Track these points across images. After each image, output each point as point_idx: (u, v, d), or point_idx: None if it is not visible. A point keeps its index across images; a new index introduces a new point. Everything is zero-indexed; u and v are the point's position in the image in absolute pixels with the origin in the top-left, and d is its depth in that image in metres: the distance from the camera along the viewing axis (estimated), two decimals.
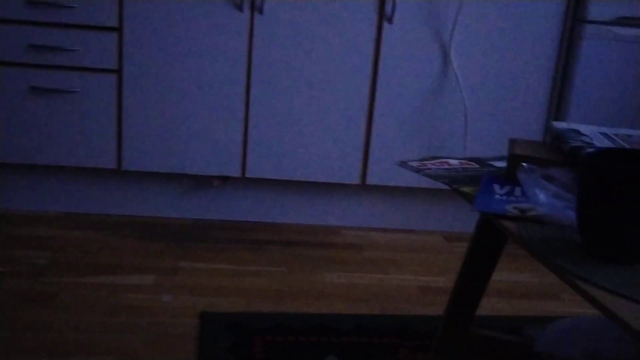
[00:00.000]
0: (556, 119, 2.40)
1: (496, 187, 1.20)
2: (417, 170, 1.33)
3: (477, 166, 1.37)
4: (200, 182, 2.46)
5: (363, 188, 2.50)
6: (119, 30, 2.23)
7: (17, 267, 2.00)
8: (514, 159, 1.23)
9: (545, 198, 1.06)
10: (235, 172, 2.38)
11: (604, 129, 1.34)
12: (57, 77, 2.25)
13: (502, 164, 1.36)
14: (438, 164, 1.38)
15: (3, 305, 1.79)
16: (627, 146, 1.26)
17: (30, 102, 2.26)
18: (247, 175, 2.39)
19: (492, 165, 1.38)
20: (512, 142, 1.31)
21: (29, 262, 2.04)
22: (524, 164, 1.17)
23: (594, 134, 1.30)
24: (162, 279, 2.01)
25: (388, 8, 2.28)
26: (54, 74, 2.25)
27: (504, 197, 1.15)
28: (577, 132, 1.30)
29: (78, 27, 2.22)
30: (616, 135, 1.32)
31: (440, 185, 1.28)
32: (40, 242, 2.18)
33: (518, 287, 2.15)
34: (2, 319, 1.72)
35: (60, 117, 2.29)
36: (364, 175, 2.43)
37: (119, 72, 2.27)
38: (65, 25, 2.21)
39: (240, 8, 2.24)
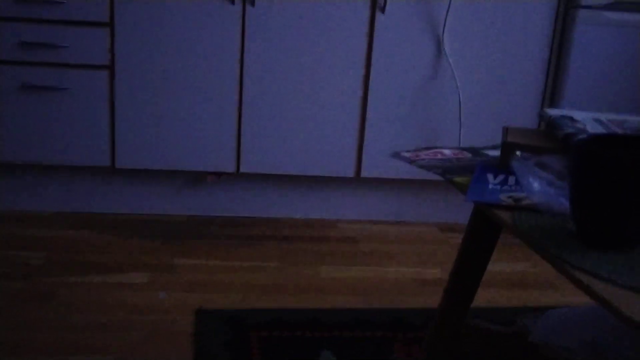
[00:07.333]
0: (551, 106, 2.39)
1: (489, 176, 1.19)
2: (410, 161, 1.32)
3: (471, 156, 1.35)
4: (195, 179, 2.45)
5: (358, 181, 2.49)
6: (110, 25, 2.21)
7: (12, 268, 1.99)
8: (507, 148, 1.22)
9: (540, 186, 1.05)
10: (230, 167, 2.37)
11: (598, 115, 1.33)
12: (48, 75, 2.23)
13: (495, 153, 1.35)
14: (431, 154, 1.37)
15: None
16: (620, 132, 1.25)
17: (22, 100, 2.25)
18: (241, 171, 2.38)
19: (486, 155, 1.36)
20: (506, 130, 1.30)
21: (23, 262, 2.02)
22: (518, 152, 1.16)
23: (588, 120, 1.29)
24: (158, 277, 1.99)
25: None
26: (45, 72, 2.23)
27: (498, 187, 1.14)
28: (571, 118, 1.28)
29: (68, 23, 2.20)
30: (610, 120, 1.31)
31: (434, 176, 1.27)
32: (34, 242, 2.17)
33: (514, 277, 2.14)
34: None
35: (52, 115, 2.27)
36: (358, 168, 2.41)
37: (110, 68, 2.25)
38: (55, 22, 2.19)
39: (231, 0, 2.22)
